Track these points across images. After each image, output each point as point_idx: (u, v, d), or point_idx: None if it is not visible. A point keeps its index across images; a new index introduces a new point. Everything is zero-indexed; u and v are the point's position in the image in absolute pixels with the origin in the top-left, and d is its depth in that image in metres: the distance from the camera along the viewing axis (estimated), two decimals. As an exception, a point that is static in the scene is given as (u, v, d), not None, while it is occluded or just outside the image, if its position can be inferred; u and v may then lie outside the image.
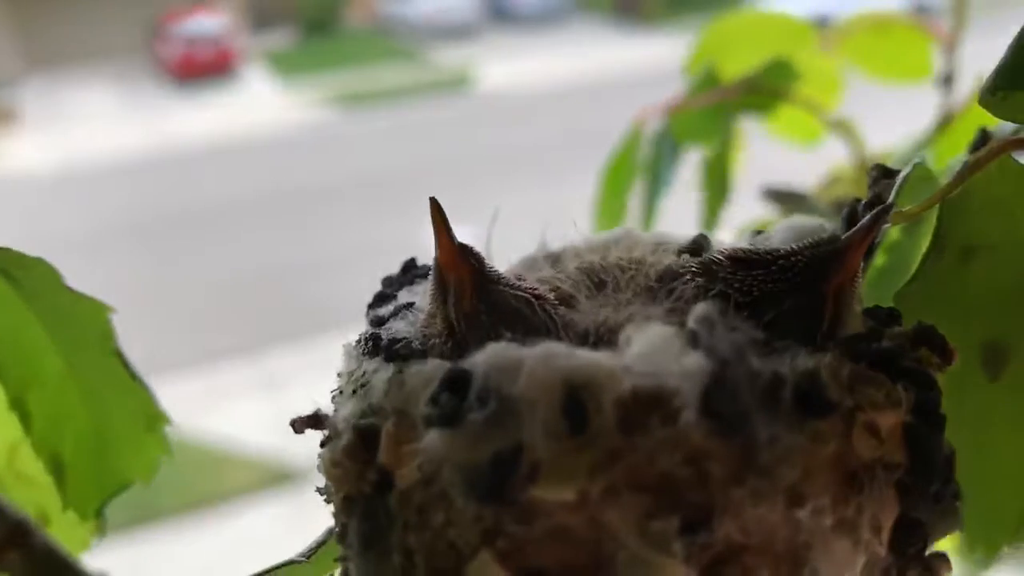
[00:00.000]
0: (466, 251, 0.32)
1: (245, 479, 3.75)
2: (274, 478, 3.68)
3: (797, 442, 0.27)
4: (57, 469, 0.42)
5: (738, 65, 0.74)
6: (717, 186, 0.67)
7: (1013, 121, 0.35)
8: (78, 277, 0.41)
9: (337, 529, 0.32)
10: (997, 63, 0.34)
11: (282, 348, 4.79)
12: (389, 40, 14.91)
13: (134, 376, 0.41)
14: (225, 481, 3.77)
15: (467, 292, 0.32)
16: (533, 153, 7.57)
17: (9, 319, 0.40)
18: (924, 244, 0.37)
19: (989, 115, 0.36)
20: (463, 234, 0.32)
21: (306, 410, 0.34)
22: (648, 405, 0.26)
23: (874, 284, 0.41)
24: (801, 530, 0.27)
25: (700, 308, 0.28)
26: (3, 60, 12.92)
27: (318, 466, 0.32)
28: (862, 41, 0.77)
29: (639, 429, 0.26)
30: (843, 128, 0.69)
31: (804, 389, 0.27)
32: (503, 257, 0.39)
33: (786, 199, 0.69)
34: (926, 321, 0.32)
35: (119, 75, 13.49)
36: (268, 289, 5.68)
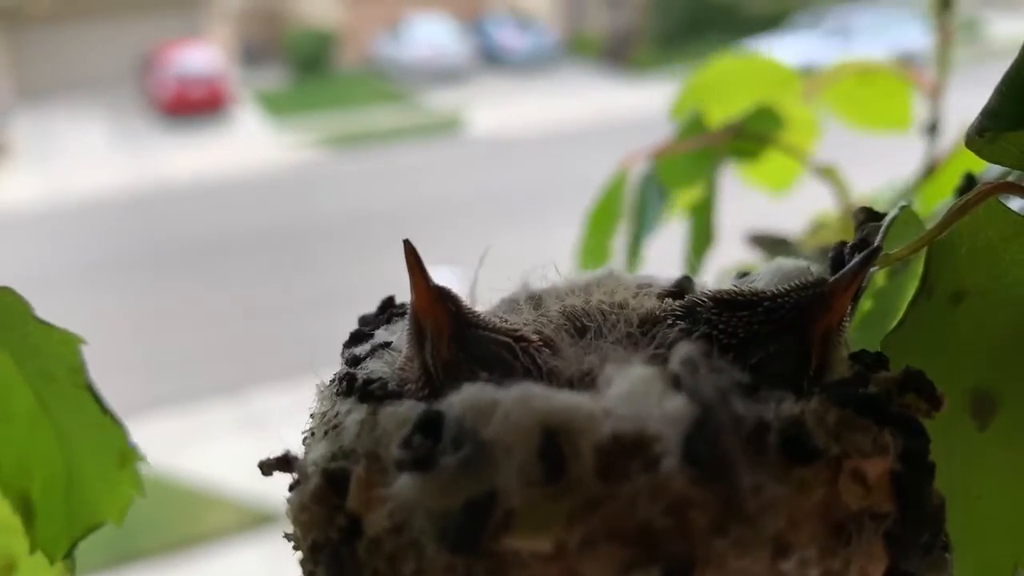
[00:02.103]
0: (443, 295, 0.31)
1: (226, 520, 3.70)
2: (255, 520, 3.62)
3: (782, 490, 0.26)
4: (25, 510, 0.40)
5: (724, 110, 0.74)
6: (702, 230, 0.67)
7: (999, 163, 0.34)
8: (63, 312, 0.40)
9: (304, 578, 0.30)
10: (984, 105, 0.33)
11: (266, 387, 4.76)
12: (380, 82, 15.06)
13: (105, 411, 0.40)
14: (205, 522, 3.72)
15: (444, 338, 0.31)
16: (522, 196, 7.63)
17: (-25, 354, 0.39)
18: (911, 289, 0.36)
19: (973, 164, 0.36)
20: (448, 275, 0.31)
21: (277, 450, 0.33)
22: (628, 451, 0.25)
23: (861, 330, 0.41)
24: (787, 583, 0.26)
25: (683, 349, 0.27)
26: (-4, 91, 12.96)
27: (286, 511, 0.31)
28: (845, 89, 0.77)
29: (619, 476, 0.25)
30: (828, 174, 0.69)
31: (789, 435, 0.27)
32: (489, 300, 0.38)
33: (771, 245, 0.69)
34: (914, 366, 0.31)
35: (110, 109, 13.55)
36: (254, 328, 5.66)
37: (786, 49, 11.59)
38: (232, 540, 3.59)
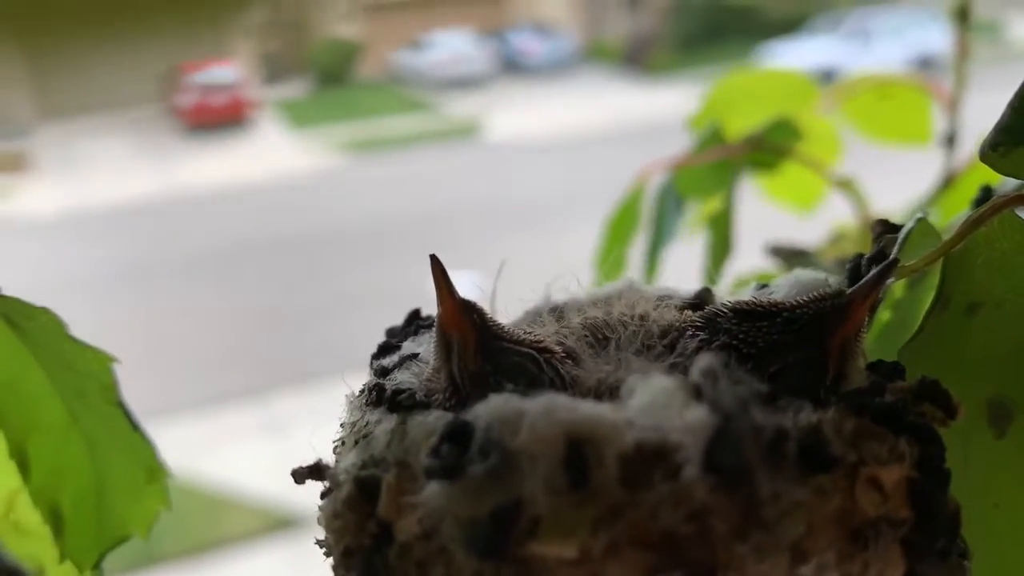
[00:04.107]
0: (468, 308, 0.32)
1: (247, 524, 3.72)
2: (276, 523, 3.64)
3: (801, 497, 0.26)
4: (55, 520, 0.41)
5: (744, 122, 0.75)
6: (720, 241, 0.68)
7: (1014, 177, 0.35)
8: (89, 319, 0.41)
9: (337, 582, 0.31)
10: (998, 119, 0.34)
11: (287, 391, 4.79)
12: (401, 90, 15.12)
13: (135, 427, 0.41)
14: (226, 526, 3.74)
15: (470, 350, 0.32)
16: (541, 201, 7.63)
17: (12, 367, 0.40)
18: (928, 300, 0.37)
19: (992, 175, 0.36)
20: (467, 281, 0.32)
21: (308, 459, 0.34)
22: (651, 460, 0.26)
23: (879, 340, 0.41)
24: (805, 588, 0.26)
25: (704, 360, 0.28)
26: (20, 108, 13.15)
27: (318, 518, 0.32)
28: (863, 103, 0.77)
29: (642, 484, 0.26)
30: (847, 186, 0.70)
31: (807, 444, 0.27)
32: (508, 305, 0.39)
33: (790, 256, 0.69)
34: (930, 376, 0.32)
35: (134, 124, 13.70)
36: (275, 332, 5.70)
37: (805, 52, 11.54)
38: (254, 543, 3.61)
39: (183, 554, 3.54)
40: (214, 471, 4.02)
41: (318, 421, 0.37)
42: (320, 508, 0.32)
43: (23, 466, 0.41)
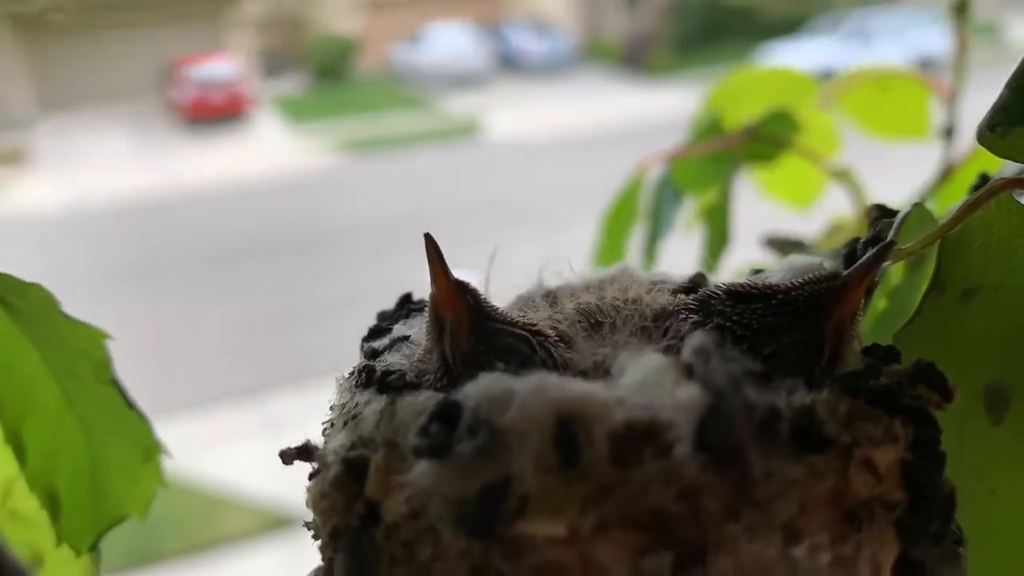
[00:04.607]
0: (462, 288, 0.31)
1: (245, 523, 3.71)
2: (274, 522, 3.64)
3: (793, 477, 0.26)
4: (52, 503, 0.41)
5: (742, 117, 0.75)
6: (717, 233, 0.67)
7: (1010, 158, 0.34)
8: (85, 314, 0.41)
9: (323, 564, 0.31)
10: (995, 100, 0.34)
11: (286, 391, 4.78)
12: (399, 87, 15.12)
13: (130, 405, 0.41)
14: (224, 525, 3.73)
15: (463, 330, 0.31)
16: (539, 200, 7.63)
17: (6, 348, 0.40)
18: (924, 286, 0.36)
19: (990, 166, 0.36)
20: (462, 275, 0.32)
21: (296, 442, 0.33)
22: (641, 438, 0.26)
23: (876, 327, 0.41)
24: (798, 568, 0.26)
25: (696, 338, 0.28)
26: (17, 102, 13.14)
27: (306, 500, 0.31)
28: (862, 97, 0.77)
29: (632, 462, 0.26)
30: (845, 178, 0.69)
31: (801, 423, 0.27)
32: (504, 302, 0.38)
33: (786, 246, 0.69)
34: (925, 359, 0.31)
35: (132, 118, 13.68)
36: (272, 331, 5.69)
37: (805, 53, 11.54)
38: (252, 543, 3.60)
39: (181, 553, 3.52)
40: (212, 470, 4.01)
41: (314, 420, 0.37)
42: (308, 489, 0.31)
43: (19, 451, 0.41)
